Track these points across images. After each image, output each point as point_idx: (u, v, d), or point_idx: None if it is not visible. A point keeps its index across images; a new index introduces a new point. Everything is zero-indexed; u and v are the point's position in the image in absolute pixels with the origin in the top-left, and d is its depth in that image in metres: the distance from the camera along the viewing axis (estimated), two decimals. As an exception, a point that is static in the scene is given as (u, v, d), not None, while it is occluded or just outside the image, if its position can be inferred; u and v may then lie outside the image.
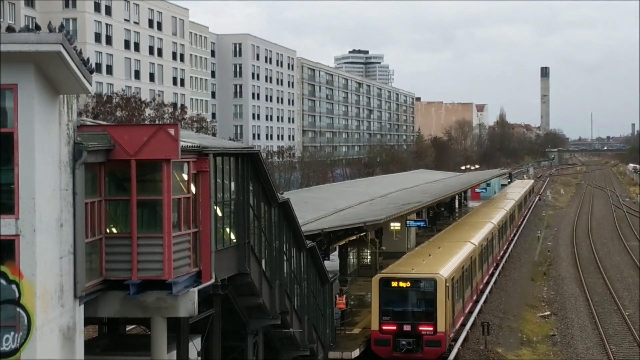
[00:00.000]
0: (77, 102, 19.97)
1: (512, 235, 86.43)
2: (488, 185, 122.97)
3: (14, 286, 17.66)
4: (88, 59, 19.33)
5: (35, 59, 17.52)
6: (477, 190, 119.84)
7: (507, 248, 78.40)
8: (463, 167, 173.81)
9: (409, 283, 39.96)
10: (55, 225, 18.48)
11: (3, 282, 17.68)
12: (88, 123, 22.76)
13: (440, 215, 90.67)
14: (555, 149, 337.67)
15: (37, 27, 18.39)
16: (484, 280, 57.65)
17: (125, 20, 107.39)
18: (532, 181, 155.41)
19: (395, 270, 42.42)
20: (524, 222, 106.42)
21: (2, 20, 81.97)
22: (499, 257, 69.65)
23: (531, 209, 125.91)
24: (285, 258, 30.98)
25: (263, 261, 28.22)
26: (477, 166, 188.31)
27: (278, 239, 30.04)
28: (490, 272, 61.71)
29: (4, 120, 17.96)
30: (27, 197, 17.62)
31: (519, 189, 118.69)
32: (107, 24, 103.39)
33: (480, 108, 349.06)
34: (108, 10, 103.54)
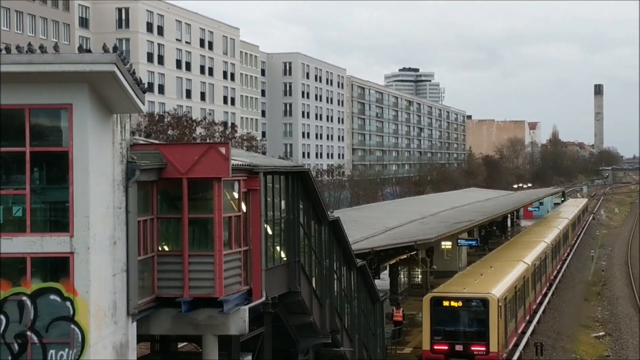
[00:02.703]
0: (130, 121, 20.20)
1: (565, 255, 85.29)
2: (541, 204, 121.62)
3: (68, 303, 17.85)
4: (140, 79, 19.54)
5: (89, 79, 17.75)
6: (530, 209, 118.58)
7: (561, 268, 77.37)
8: (515, 186, 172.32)
9: (460, 302, 39.55)
10: (109, 243, 18.66)
11: (58, 299, 17.88)
12: (141, 142, 22.98)
13: (492, 234, 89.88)
14: (609, 167, 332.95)
15: (86, 50, 18.63)
16: (537, 300, 56.91)
17: (177, 40, 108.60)
18: (585, 200, 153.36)
19: (447, 289, 42.05)
20: (578, 241, 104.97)
21: (56, 40, 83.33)
22: (552, 277, 68.75)
23: (585, 228, 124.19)
24: (335, 276, 30.89)
25: (313, 279, 28.17)
26: (529, 185, 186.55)
27: (328, 257, 29.97)
28: (543, 292, 60.92)
29: (59, 139, 18.21)
30: (81, 215, 17.83)
31: (572, 207, 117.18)
32: (159, 44, 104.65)
33: (533, 126, 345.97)
34: (160, 31, 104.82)
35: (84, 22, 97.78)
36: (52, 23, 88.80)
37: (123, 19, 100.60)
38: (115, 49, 18.13)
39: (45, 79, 17.64)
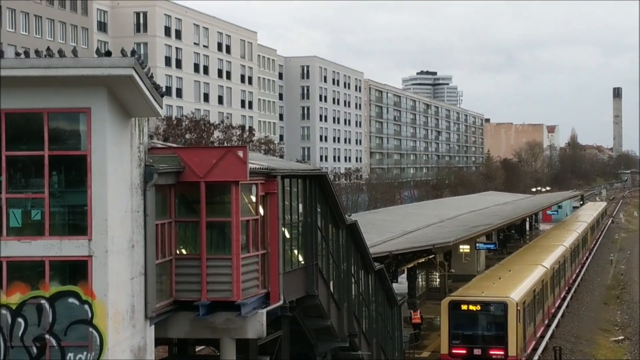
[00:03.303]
0: (148, 125, 20.24)
1: (584, 259, 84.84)
2: (559, 207, 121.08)
3: (86, 306, 17.90)
4: (159, 85, 19.58)
5: (108, 83, 17.81)
6: (549, 212, 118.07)
7: (580, 271, 76.98)
8: (534, 189, 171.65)
9: (479, 306, 39.40)
10: (127, 247, 18.70)
11: (76, 302, 17.94)
12: (159, 145, 23.05)
13: (510, 238, 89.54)
14: (629, 171, 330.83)
15: (108, 54, 18.72)
16: (556, 304, 56.63)
17: (194, 43, 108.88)
18: (604, 203, 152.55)
19: (465, 293, 41.91)
20: (597, 245, 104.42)
21: (75, 44, 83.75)
22: (571, 281, 68.41)
23: (604, 231, 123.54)
24: (353, 280, 30.84)
25: (331, 283, 28.13)
26: (548, 188, 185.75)
27: (346, 261, 29.93)
28: (562, 295, 60.62)
29: (77, 143, 18.28)
30: (99, 219, 17.88)
31: (591, 211, 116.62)
32: (177, 48, 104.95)
33: (551, 129, 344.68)
34: (178, 34, 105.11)
35: (102, 26, 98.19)
36: (70, 27, 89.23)
37: (141, 23, 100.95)
38: (133, 53, 18.18)
39: (64, 83, 17.70)
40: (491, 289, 42.02)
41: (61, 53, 18.01)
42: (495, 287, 42.58)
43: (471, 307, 39.41)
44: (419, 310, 48.10)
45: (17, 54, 18.45)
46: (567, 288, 64.71)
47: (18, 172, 18.45)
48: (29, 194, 18.39)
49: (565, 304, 60.12)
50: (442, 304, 40.36)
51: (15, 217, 18.23)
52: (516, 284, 43.92)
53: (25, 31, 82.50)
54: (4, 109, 17.98)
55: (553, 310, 54.65)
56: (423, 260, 49.02)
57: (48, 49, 18.43)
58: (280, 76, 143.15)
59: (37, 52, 18.32)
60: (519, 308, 39.38)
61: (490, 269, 55.07)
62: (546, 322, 50.60)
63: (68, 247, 17.92)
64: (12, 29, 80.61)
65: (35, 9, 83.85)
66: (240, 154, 20.67)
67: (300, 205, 25.58)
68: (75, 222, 18.25)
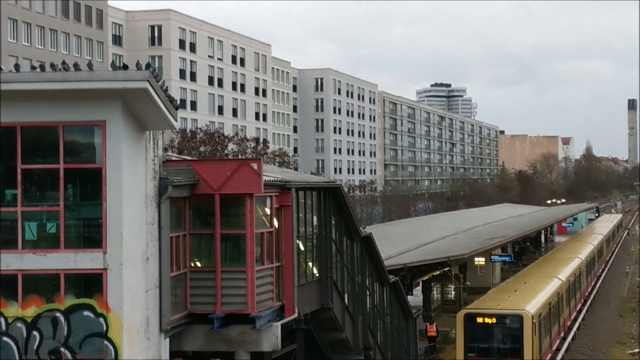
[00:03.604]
0: (162, 138, 20.28)
1: (600, 271, 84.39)
2: (575, 219, 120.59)
3: (101, 319, 17.91)
4: (173, 98, 19.62)
5: (123, 96, 17.86)
6: (564, 224, 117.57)
7: (595, 284, 76.55)
8: (549, 201, 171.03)
9: (494, 319, 39.20)
10: (142, 259, 18.70)
11: (91, 315, 17.95)
12: (173, 158, 23.09)
13: (526, 250, 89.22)
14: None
15: (125, 67, 18.80)
16: (572, 317, 56.32)
17: (209, 56, 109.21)
18: (620, 215, 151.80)
19: (481, 305, 41.72)
20: (612, 257, 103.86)
21: (90, 58, 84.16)
22: (586, 293, 68.05)
23: (619, 243, 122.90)
24: (368, 293, 30.76)
25: (346, 296, 28.06)
26: (563, 200, 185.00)
27: (360, 273, 29.86)
28: (577, 308, 60.29)
29: (92, 156, 18.34)
30: (114, 232, 17.90)
31: (606, 223, 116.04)
32: (191, 61, 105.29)
33: (566, 141, 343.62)
34: (192, 48, 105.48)
35: (117, 40, 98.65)
36: (86, 41, 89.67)
37: (156, 36, 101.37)
38: (148, 66, 18.23)
39: (79, 96, 17.77)
40: (507, 302, 41.83)
41: (77, 66, 18.09)
42: (510, 300, 42.39)
43: (487, 320, 39.22)
44: (434, 323, 47.94)
45: (33, 68, 18.54)
46: (582, 300, 64.34)
47: (34, 185, 18.51)
48: (44, 207, 18.45)
49: (581, 316, 59.78)
50: (458, 317, 40.18)
51: (30, 230, 18.28)
52: (532, 296, 43.71)
53: (41, 45, 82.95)
54: (20, 122, 18.06)
55: (569, 323, 54.35)
56: (438, 272, 48.85)
57: (63, 62, 18.51)
58: (295, 88, 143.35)
59: (52, 65, 18.40)
60: (534, 321, 39.17)
61: (505, 281, 54.83)
62: (562, 334, 50.31)
63: (83, 260, 17.95)
64: (27, 42, 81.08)
65: (51, 23, 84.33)
66: (255, 166, 20.67)
67: (315, 218, 25.55)
68: (90, 234, 18.29)
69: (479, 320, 39.28)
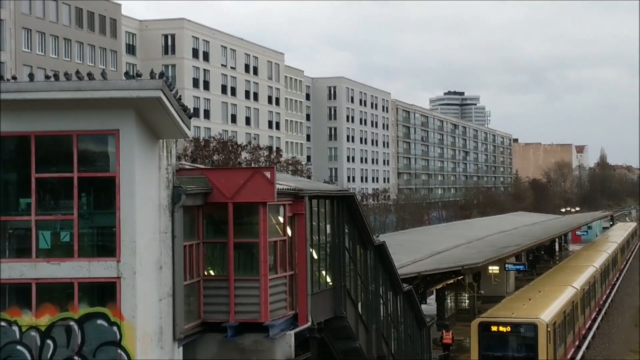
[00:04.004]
0: (176, 146, 20.31)
1: (614, 279, 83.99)
2: (589, 228, 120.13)
3: (115, 328, 17.92)
4: (187, 107, 19.65)
5: (136, 105, 17.89)
6: (578, 233, 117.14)
7: (610, 292, 76.18)
8: (563, 210, 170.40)
9: (509, 327, 39.05)
10: (155, 268, 18.71)
11: (105, 323, 17.96)
12: (186, 167, 23.12)
13: (540, 259, 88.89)
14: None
15: (138, 75, 18.84)
16: (587, 325, 56.04)
17: (222, 65, 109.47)
18: (634, 224, 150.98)
19: (495, 314, 41.57)
20: (627, 265, 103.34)
21: (104, 67, 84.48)
22: (601, 302, 67.72)
23: (634, 252, 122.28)
24: (381, 301, 30.69)
25: (359, 304, 28.00)
26: (577, 209, 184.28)
27: (374, 282, 29.80)
28: (592, 317, 59.98)
29: (106, 164, 18.38)
30: (128, 240, 17.92)
31: (621, 231, 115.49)
32: (204, 70, 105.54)
33: (580, 149, 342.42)
34: (206, 56, 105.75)
35: (130, 49, 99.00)
36: (99, 50, 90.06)
37: (169, 45, 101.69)
38: (161, 75, 18.26)
39: (93, 105, 17.81)
40: (521, 310, 41.68)
41: (90, 76, 18.14)
42: (525, 308, 42.23)
43: (501, 329, 39.08)
44: (450, 331, 47.85)
45: (47, 77, 18.61)
46: (597, 309, 64.03)
47: (47, 194, 18.56)
48: (58, 216, 18.50)
49: (596, 325, 59.47)
50: (472, 325, 40.04)
51: (44, 238, 18.33)
52: (546, 304, 43.53)
53: (55, 54, 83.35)
54: (34, 131, 18.13)
55: (584, 332, 54.08)
56: (452, 281, 48.70)
57: (77, 72, 18.57)
58: (308, 97, 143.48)
59: (66, 74, 18.46)
60: (549, 329, 39.00)
61: (520, 289, 54.64)
62: (577, 343, 50.05)
63: (97, 269, 17.97)
64: (41, 52, 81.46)
65: (65, 32, 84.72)
66: (268, 174, 20.67)
67: (328, 226, 25.52)
68: (104, 243, 18.32)
69: (494, 328, 39.15)
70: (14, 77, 19.68)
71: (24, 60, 78.01)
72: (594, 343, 54.67)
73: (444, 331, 47.54)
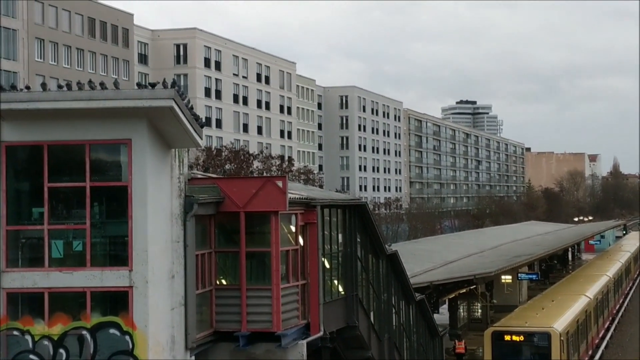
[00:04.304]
0: (188, 156, 20.33)
1: (628, 289, 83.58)
2: (602, 237, 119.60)
3: (127, 337, 17.91)
4: (199, 116, 19.67)
5: (148, 114, 17.92)
6: (591, 242, 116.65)
7: (623, 302, 75.81)
8: (576, 219, 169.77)
9: (522, 337, 38.92)
10: (167, 277, 18.71)
11: (117, 332, 17.96)
12: (198, 176, 23.13)
13: (553, 268, 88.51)
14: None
15: (152, 85, 18.88)
16: (600, 335, 55.78)
17: (234, 74, 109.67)
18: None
19: (508, 323, 41.42)
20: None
21: (116, 76, 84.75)
22: (614, 311, 67.41)
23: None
24: (394, 311, 30.61)
25: (371, 314, 27.94)
26: (590, 218, 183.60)
27: (386, 291, 29.72)
28: (606, 326, 59.70)
29: (118, 174, 18.41)
30: (140, 250, 17.93)
31: (634, 240, 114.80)
32: (216, 79, 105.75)
33: (593, 158, 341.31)
34: (217, 66, 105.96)
35: (143, 59, 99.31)
36: (112, 59, 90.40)
37: (181, 55, 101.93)
38: (173, 84, 18.29)
39: (106, 114, 17.85)
40: (534, 319, 41.52)
41: (103, 85, 18.19)
42: (538, 317, 42.07)
43: (514, 338, 38.95)
44: (463, 340, 47.77)
45: (60, 87, 18.66)
46: (610, 318, 63.75)
47: (60, 204, 18.60)
48: (70, 225, 18.53)
49: (609, 334, 59.18)
50: (485, 335, 39.91)
51: (57, 248, 18.36)
52: (560, 314, 43.35)
53: (68, 64, 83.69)
54: (46, 141, 18.18)
55: (597, 341, 53.82)
56: (464, 290, 48.56)
57: (90, 81, 18.62)
58: (319, 106, 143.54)
59: (79, 84, 18.51)
60: (562, 338, 38.84)
61: (533, 299, 54.44)
62: (590, 352, 49.81)
63: (109, 278, 17.99)
64: (54, 61, 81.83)
65: (77, 42, 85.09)
66: (280, 184, 20.66)
67: (340, 235, 25.49)
68: (116, 252, 18.34)
69: (507, 337, 39.01)
70: (27, 87, 19.77)
71: (37, 70, 78.38)
72: (607, 353, 54.39)
73: (456, 341, 47.42)
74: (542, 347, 38.61)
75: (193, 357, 19.84)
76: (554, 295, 52.01)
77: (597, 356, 51.07)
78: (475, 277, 41.99)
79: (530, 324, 40.39)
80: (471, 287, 48.20)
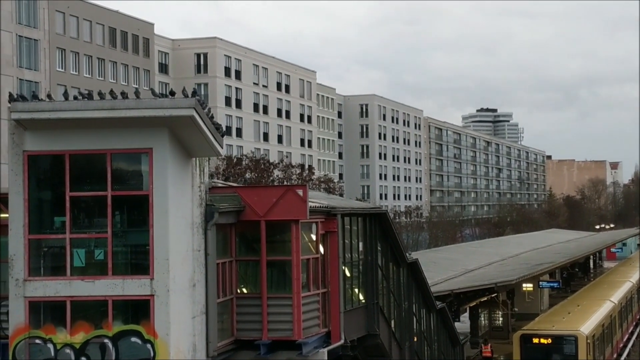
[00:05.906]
0: (208, 165, 20.39)
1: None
2: (624, 244, 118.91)
3: (149, 345, 17.96)
4: (219, 125, 19.72)
5: (169, 123, 17.99)
6: (613, 250, 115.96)
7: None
8: (597, 227, 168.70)
9: (550, 340, 39.88)
10: (188, 286, 18.75)
11: (139, 341, 18.01)
12: (219, 185, 23.19)
13: (574, 276, 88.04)
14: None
15: (172, 93, 18.97)
16: (624, 338, 55.91)
17: (254, 83, 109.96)
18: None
19: (536, 326, 42.47)
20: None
21: (137, 86, 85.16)
22: (638, 316, 67.31)
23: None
24: (414, 319, 30.54)
25: (392, 322, 27.88)
26: (612, 225, 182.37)
27: (407, 299, 29.67)
28: (630, 330, 59.77)
29: (139, 183, 18.48)
30: (161, 258, 17.98)
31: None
32: (237, 88, 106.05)
33: (615, 166, 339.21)
34: (238, 75, 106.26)
35: (163, 68, 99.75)
36: (132, 69, 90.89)
37: (202, 64, 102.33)
38: (194, 93, 18.36)
39: (127, 124, 17.94)
40: (561, 323, 42.37)
41: (124, 95, 18.28)
42: (565, 321, 42.85)
43: (542, 341, 39.96)
44: (489, 344, 47.96)
45: (76, 97, 18.70)
46: (634, 323, 63.79)
47: (82, 213, 18.70)
48: (92, 234, 18.61)
49: (634, 337, 59.16)
50: (514, 338, 40.97)
51: (79, 256, 18.44)
52: (586, 318, 43.98)
53: (89, 73, 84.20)
54: (68, 150, 18.29)
55: (621, 345, 54.01)
56: (485, 298, 48.46)
57: (111, 91, 18.72)
58: (340, 115, 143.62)
59: (100, 93, 18.62)
60: (589, 341, 39.47)
61: (559, 304, 54.63)
62: (615, 356, 50.03)
63: (130, 287, 18.05)
64: (75, 71, 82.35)
65: (98, 52, 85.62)
66: (300, 192, 20.68)
67: (361, 244, 25.47)
68: (138, 261, 18.39)
69: (535, 340, 40.04)
70: (48, 96, 19.89)
71: (58, 80, 78.88)
72: (632, 356, 54.32)
73: (482, 345, 47.74)
74: (569, 349, 39.42)
75: (214, 366, 19.88)
76: (579, 300, 52.43)
77: (622, 359, 51.10)
78: (497, 285, 41.99)
79: (557, 327, 41.24)
80: (492, 295, 48.09)
